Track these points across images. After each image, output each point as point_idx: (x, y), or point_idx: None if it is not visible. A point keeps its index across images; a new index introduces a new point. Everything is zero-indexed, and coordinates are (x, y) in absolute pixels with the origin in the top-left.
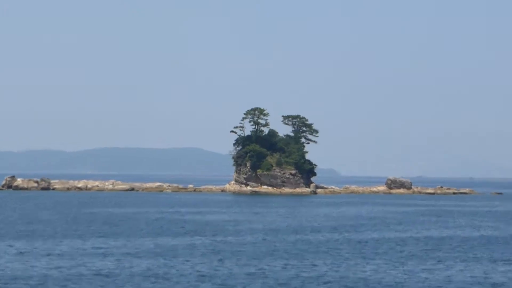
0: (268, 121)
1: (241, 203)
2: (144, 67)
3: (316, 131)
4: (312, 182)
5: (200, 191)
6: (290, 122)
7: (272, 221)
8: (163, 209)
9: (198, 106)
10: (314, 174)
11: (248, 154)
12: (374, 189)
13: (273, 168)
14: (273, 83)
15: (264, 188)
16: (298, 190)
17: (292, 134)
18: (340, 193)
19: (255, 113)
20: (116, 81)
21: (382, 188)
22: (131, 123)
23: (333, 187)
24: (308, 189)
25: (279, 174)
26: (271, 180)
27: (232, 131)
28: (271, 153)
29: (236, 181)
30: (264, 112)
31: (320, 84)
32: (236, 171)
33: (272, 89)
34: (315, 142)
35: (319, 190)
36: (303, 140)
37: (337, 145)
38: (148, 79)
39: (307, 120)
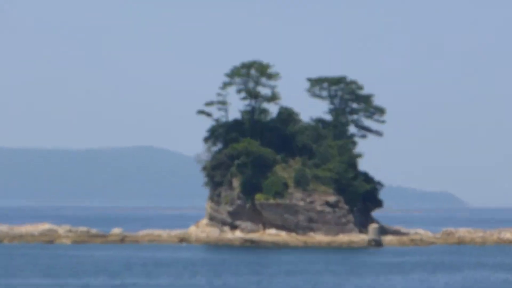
0: (277, 90)
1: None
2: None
3: (382, 111)
4: (373, 221)
5: (134, 241)
6: (325, 92)
7: None
8: None
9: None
10: (379, 203)
11: (237, 160)
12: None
13: (290, 190)
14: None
15: (271, 235)
16: (343, 238)
17: (330, 117)
18: (435, 243)
19: (250, 73)
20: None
21: None
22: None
23: (419, 231)
24: (362, 237)
25: (302, 204)
26: (286, 216)
27: (200, 112)
28: (284, 158)
29: (211, 219)
30: (268, 70)
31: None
32: (210, 198)
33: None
34: (380, 134)
35: (388, 239)
36: (352, 130)
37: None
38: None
39: (361, 88)
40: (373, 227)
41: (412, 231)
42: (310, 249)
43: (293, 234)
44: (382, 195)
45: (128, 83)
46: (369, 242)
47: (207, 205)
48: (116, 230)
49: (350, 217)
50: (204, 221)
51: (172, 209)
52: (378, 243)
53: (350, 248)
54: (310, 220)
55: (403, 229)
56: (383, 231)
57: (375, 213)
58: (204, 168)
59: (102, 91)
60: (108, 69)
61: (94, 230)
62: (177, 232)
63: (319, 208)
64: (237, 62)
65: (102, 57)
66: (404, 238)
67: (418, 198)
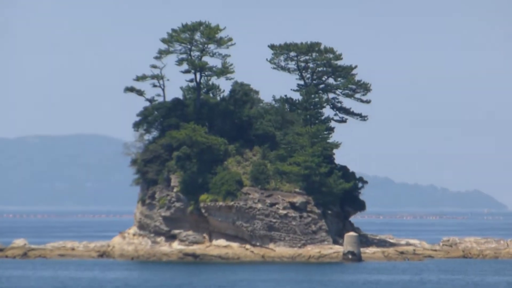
0: (228, 62)
1: None
2: None
3: (367, 87)
4: (351, 227)
5: (40, 255)
6: (293, 64)
7: None
8: None
9: None
10: (361, 205)
11: (176, 152)
12: None
13: (245, 190)
14: None
15: (219, 247)
16: (312, 250)
17: (299, 96)
18: (432, 256)
19: (194, 38)
20: None
21: None
22: None
23: (413, 241)
24: (336, 248)
25: (260, 207)
26: (238, 223)
27: (129, 89)
28: (239, 149)
29: (141, 227)
30: (218, 34)
31: None
32: (141, 200)
33: None
34: (364, 118)
35: (369, 251)
36: (329, 113)
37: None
38: None
39: (340, 58)
40: (350, 236)
41: (404, 241)
42: (268, 265)
43: (248, 246)
44: (397, 195)
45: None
46: (345, 255)
47: (136, 210)
48: (19, 242)
49: (322, 223)
50: (132, 230)
51: (103, 215)
52: (356, 257)
53: (320, 264)
54: (270, 227)
55: (393, 239)
56: (366, 241)
57: (370, 219)
58: (134, 162)
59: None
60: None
61: None
62: (97, 244)
63: (282, 212)
64: (178, 24)
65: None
66: (391, 251)
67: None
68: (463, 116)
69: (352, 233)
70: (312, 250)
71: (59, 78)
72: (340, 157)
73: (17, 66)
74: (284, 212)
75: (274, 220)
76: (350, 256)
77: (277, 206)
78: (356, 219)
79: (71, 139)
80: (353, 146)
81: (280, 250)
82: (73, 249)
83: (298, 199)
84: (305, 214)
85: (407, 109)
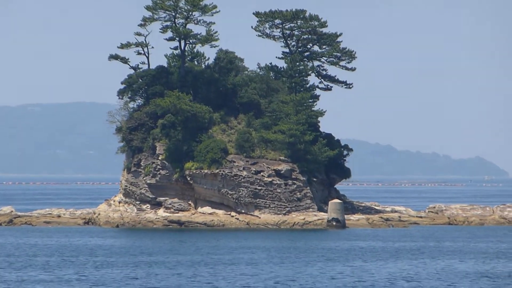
0: (213, 29)
1: None
2: None
3: (352, 55)
4: (336, 194)
5: (26, 222)
6: (278, 31)
7: None
8: None
9: None
10: (346, 173)
11: (161, 120)
12: None
13: (230, 158)
14: None
15: (204, 214)
16: (297, 217)
17: (284, 64)
18: (418, 223)
19: (179, 5)
20: None
21: None
22: None
23: (399, 208)
24: (321, 215)
25: (245, 174)
26: (224, 190)
27: (113, 57)
28: (223, 117)
29: (126, 194)
30: (200, 2)
31: None
32: (126, 168)
33: None
34: (349, 86)
35: (354, 218)
36: (314, 80)
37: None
38: None
39: (325, 25)
40: (334, 203)
41: (389, 208)
42: (252, 232)
43: (233, 213)
44: (399, 163)
45: None
46: (329, 222)
47: (122, 177)
48: (6, 209)
49: (307, 190)
50: (118, 197)
51: (102, 183)
52: (340, 224)
53: (303, 230)
54: (256, 195)
55: (378, 206)
56: (352, 208)
57: (361, 187)
58: (119, 130)
59: None
60: None
61: None
62: (83, 211)
63: (267, 179)
64: None
65: None
66: (376, 218)
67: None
68: (463, 83)
69: (336, 200)
70: (296, 217)
71: (57, 46)
72: (340, 125)
73: (16, 37)
74: (269, 179)
75: (259, 188)
76: (334, 223)
77: (262, 173)
78: (350, 186)
79: (71, 107)
80: (356, 113)
81: (265, 217)
82: (59, 216)
83: (283, 167)
84: (290, 182)
85: (407, 76)
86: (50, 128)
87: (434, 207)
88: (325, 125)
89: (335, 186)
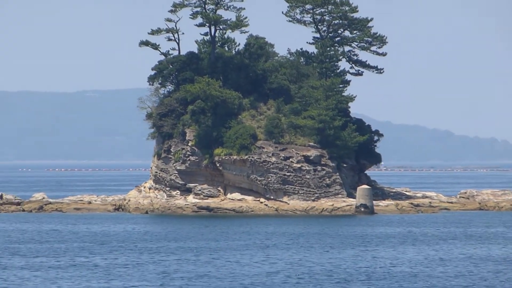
0: (244, 14)
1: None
2: None
3: (383, 40)
4: (366, 180)
5: (56, 209)
6: (308, 17)
7: None
8: None
9: None
10: (377, 158)
11: (191, 106)
12: None
13: (259, 144)
14: None
15: (233, 201)
16: (325, 203)
17: (314, 49)
18: (448, 209)
19: None
20: None
21: None
22: None
23: (430, 194)
24: (350, 201)
25: (274, 160)
26: (253, 176)
27: (143, 43)
28: (253, 103)
29: (156, 181)
30: None
31: None
32: (157, 154)
33: None
34: (380, 71)
35: (383, 204)
36: (344, 66)
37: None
38: None
39: (355, 10)
40: (362, 188)
41: (420, 194)
42: (280, 218)
43: (262, 200)
44: (457, 148)
45: None
46: (357, 208)
47: (152, 164)
48: (38, 196)
49: (336, 176)
50: (148, 183)
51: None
52: (368, 210)
53: (332, 216)
54: (284, 181)
55: (409, 192)
56: (382, 194)
57: (376, 174)
58: (149, 117)
59: None
60: None
61: (9, 195)
62: (114, 198)
63: (296, 165)
64: None
65: None
66: (405, 203)
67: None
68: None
69: (364, 186)
70: (325, 203)
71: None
72: (398, 110)
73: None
74: (298, 165)
75: (288, 174)
76: (362, 209)
77: (291, 159)
78: (398, 172)
79: (128, 93)
80: (412, 98)
81: (294, 203)
82: (89, 202)
83: (312, 153)
84: (319, 168)
85: (445, 61)
86: (108, 115)
87: (466, 193)
88: (380, 110)
89: (366, 172)
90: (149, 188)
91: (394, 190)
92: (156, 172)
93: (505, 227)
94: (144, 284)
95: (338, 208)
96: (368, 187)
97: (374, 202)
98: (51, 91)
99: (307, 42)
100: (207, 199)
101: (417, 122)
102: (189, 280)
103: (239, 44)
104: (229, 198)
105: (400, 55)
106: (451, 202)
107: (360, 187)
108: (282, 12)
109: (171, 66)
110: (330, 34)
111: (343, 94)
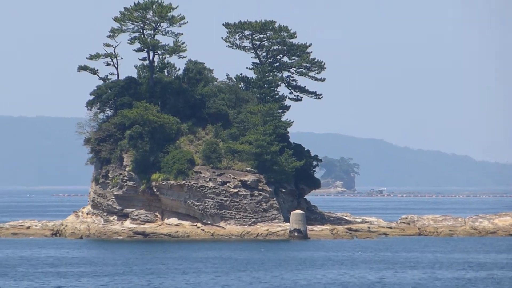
0: (181, 40)
1: None
2: None
3: (321, 66)
4: (305, 205)
5: None
6: (247, 42)
7: None
8: None
9: None
10: (316, 183)
11: (129, 131)
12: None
13: (196, 169)
14: None
15: (170, 226)
16: (261, 227)
17: (253, 74)
18: (387, 234)
19: (146, 16)
20: None
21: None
22: None
23: (371, 219)
24: (285, 226)
25: (211, 185)
26: (190, 202)
27: (82, 68)
28: (191, 128)
29: (94, 206)
30: (171, 13)
31: None
32: (95, 179)
33: None
34: (319, 97)
35: (318, 229)
36: (282, 92)
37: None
38: None
39: (294, 36)
40: (296, 213)
41: (360, 219)
42: (215, 242)
43: (199, 224)
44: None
45: None
46: (291, 232)
47: (90, 189)
48: None
49: (274, 201)
50: (86, 209)
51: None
52: (302, 234)
53: (266, 241)
54: (221, 206)
55: (350, 217)
56: (321, 219)
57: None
58: (88, 141)
59: None
60: None
61: None
62: (55, 223)
63: (233, 190)
64: (130, 3)
65: None
66: (340, 228)
67: None
68: None
69: (298, 211)
70: (260, 228)
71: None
72: (418, 136)
73: None
74: (235, 190)
75: (225, 199)
76: (296, 234)
77: (228, 184)
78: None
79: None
80: (424, 123)
81: (230, 228)
82: (28, 227)
83: (250, 178)
84: (256, 193)
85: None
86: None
87: (406, 218)
88: (398, 135)
89: (305, 197)
90: (87, 213)
91: (334, 215)
92: (94, 197)
93: (406, 252)
94: None
95: (273, 233)
96: (302, 212)
97: (309, 227)
98: None
99: (246, 68)
100: (144, 224)
101: (435, 147)
102: None
103: (179, 69)
104: (166, 223)
105: (339, 80)
106: (390, 228)
107: (294, 212)
108: (222, 38)
109: (109, 91)
110: (269, 60)
111: (281, 119)
